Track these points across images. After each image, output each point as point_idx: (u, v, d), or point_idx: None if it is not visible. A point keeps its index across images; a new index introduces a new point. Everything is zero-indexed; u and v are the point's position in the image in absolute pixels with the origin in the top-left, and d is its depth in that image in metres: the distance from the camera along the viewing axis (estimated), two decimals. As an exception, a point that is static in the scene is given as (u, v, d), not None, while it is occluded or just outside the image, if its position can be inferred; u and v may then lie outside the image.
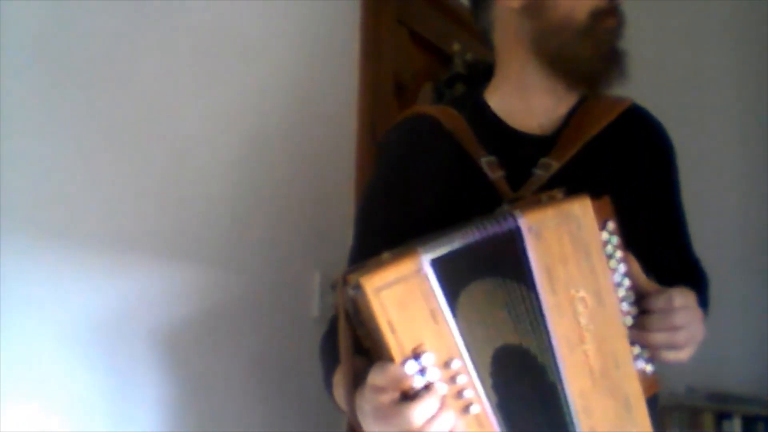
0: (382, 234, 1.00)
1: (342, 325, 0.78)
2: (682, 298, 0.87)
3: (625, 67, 1.01)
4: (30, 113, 1.06)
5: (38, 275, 1.06)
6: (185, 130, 1.32)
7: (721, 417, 2.32)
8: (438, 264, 0.76)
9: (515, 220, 0.80)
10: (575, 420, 0.82)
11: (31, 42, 1.06)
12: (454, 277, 0.77)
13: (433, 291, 0.75)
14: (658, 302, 0.86)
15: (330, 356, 0.96)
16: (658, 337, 0.86)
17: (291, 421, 1.54)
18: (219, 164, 1.38)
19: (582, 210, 0.82)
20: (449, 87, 2.06)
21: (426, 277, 0.75)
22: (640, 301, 0.88)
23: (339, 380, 0.89)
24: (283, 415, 1.52)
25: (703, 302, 1.00)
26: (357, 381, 0.79)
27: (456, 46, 2.11)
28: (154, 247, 1.25)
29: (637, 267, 0.87)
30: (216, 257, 1.37)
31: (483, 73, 2.09)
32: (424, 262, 0.75)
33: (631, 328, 0.86)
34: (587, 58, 0.99)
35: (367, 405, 0.75)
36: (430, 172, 1.03)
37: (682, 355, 0.89)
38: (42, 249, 1.07)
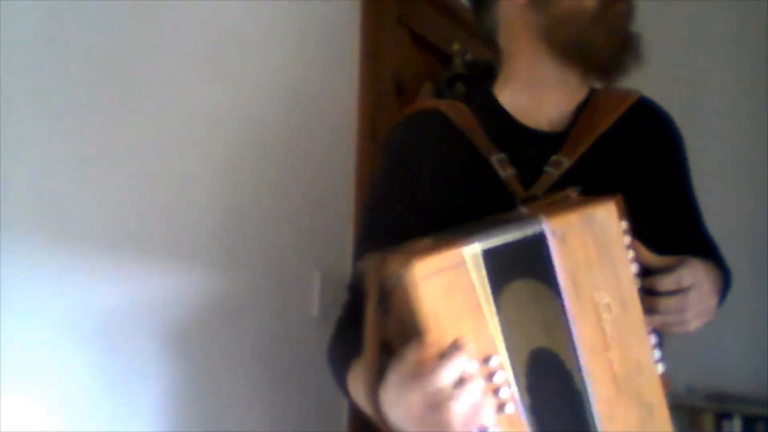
0: (389, 230, 0.99)
1: (372, 312, 0.74)
2: (691, 276, 0.86)
3: (641, 51, 1.00)
4: (30, 113, 1.05)
5: (37, 275, 1.05)
6: (185, 130, 1.31)
7: (721, 417, 2.32)
8: (487, 256, 0.73)
9: (539, 225, 0.78)
10: (599, 428, 0.81)
11: (31, 42, 1.06)
12: (499, 272, 0.75)
13: (479, 283, 0.72)
14: (665, 283, 0.85)
15: (343, 355, 0.94)
16: (668, 320, 0.86)
17: (291, 420, 1.53)
18: (218, 164, 1.38)
19: (606, 214, 0.81)
20: (449, 87, 2.05)
21: (475, 267, 0.72)
22: (649, 277, 0.86)
23: (356, 380, 0.87)
24: (283, 414, 1.52)
25: (724, 283, 0.99)
26: (380, 375, 0.76)
27: (456, 46, 2.11)
28: (153, 246, 1.24)
29: (643, 249, 0.86)
30: (215, 257, 1.37)
31: (483, 73, 2.09)
32: (474, 252, 0.72)
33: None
34: (601, 44, 0.98)
35: (395, 375, 0.72)
36: (439, 168, 1.01)
37: (690, 328, 0.88)
38: (40, 249, 1.06)
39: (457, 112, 1.05)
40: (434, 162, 1.02)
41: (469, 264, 0.72)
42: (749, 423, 2.30)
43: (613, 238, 0.81)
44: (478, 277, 0.73)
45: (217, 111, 1.38)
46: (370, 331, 0.76)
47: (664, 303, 0.85)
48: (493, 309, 0.74)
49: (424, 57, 2.11)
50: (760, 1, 2.59)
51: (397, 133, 1.10)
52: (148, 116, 1.24)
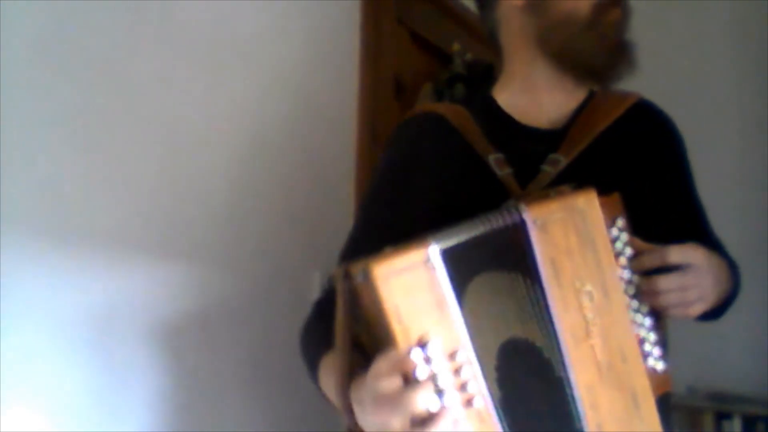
0: (383, 229, 1.00)
1: (341, 316, 0.77)
2: (692, 254, 0.87)
3: (634, 59, 1.01)
4: (30, 113, 1.06)
5: (36, 273, 1.06)
6: (185, 130, 1.32)
7: (721, 417, 2.32)
8: (447, 255, 0.75)
9: (520, 214, 0.79)
10: (582, 415, 0.81)
11: (31, 42, 1.06)
12: (462, 268, 0.76)
13: (440, 281, 0.74)
14: (671, 255, 0.85)
15: (315, 344, 0.94)
16: (668, 297, 0.85)
17: (290, 421, 1.53)
18: (219, 164, 1.38)
19: (587, 203, 0.81)
20: (449, 87, 2.06)
21: (434, 267, 0.74)
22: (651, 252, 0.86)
23: (327, 370, 0.88)
24: (282, 414, 1.52)
25: (734, 279, 0.99)
26: (351, 374, 0.77)
27: (456, 46, 2.11)
28: (153, 247, 1.24)
29: (640, 242, 0.86)
30: (216, 257, 1.37)
31: (483, 73, 2.09)
32: (432, 252, 0.74)
33: (642, 290, 0.85)
34: (593, 52, 0.99)
35: (366, 394, 0.74)
36: (437, 169, 1.02)
37: (691, 312, 0.88)
38: (40, 247, 1.07)
39: (455, 114, 1.05)
40: (432, 164, 1.03)
41: (431, 263, 0.74)
42: (749, 423, 2.30)
43: (594, 226, 0.82)
44: (441, 275, 0.74)
45: (217, 111, 1.38)
46: (341, 335, 0.78)
47: (666, 281, 0.85)
48: (457, 305, 0.75)
49: (424, 57, 2.11)
50: (760, 0, 2.60)
51: (396, 135, 1.11)
52: (149, 117, 1.25)
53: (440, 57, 2.15)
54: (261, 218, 1.48)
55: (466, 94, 1.99)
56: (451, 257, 0.75)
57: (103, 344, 1.16)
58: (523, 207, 0.79)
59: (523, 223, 0.79)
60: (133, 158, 1.21)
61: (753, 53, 2.61)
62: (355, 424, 0.78)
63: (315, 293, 1.62)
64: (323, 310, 1.02)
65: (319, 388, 0.94)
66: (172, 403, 1.28)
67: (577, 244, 0.81)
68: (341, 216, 1.73)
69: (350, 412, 0.78)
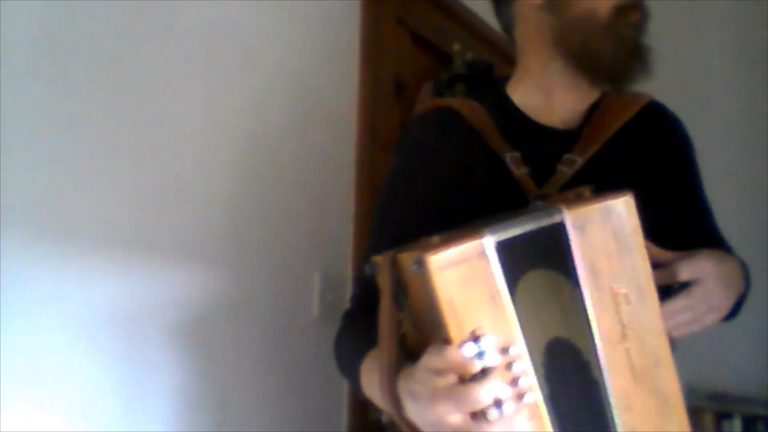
0: (401, 228, 0.98)
1: (387, 306, 0.76)
2: (689, 270, 0.87)
3: (649, 63, 1.01)
4: (30, 113, 1.05)
5: (39, 275, 1.05)
6: (185, 130, 1.31)
7: (721, 417, 2.33)
8: (501, 247, 0.74)
9: (559, 215, 0.79)
10: (616, 417, 0.81)
11: (31, 42, 1.06)
12: (515, 263, 0.75)
13: (495, 274, 0.73)
14: (680, 273, 0.86)
15: (354, 348, 0.94)
16: (678, 319, 0.86)
17: (291, 420, 1.53)
18: (219, 164, 1.38)
19: (625, 207, 0.82)
20: (449, 87, 2.05)
21: (489, 259, 0.73)
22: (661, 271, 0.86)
23: (369, 369, 0.87)
24: (283, 414, 1.52)
25: (746, 278, 0.99)
26: (396, 367, 0.76)
27: (456, 46, 2.11)
28: (153, 246, 1.24)
29: (652, 246, 0.86)
30: (216, 257, 1.37)
31: (483, 73, 2.09)
32: (488, 244, 0.73)
33: None
34: (610, 53, 0.98)
35: (421, 388, 0.72)
36: (452, 165, 1.02)
37: (707, 323, 0.88)
38: (42, 249, 1.06)
39: (471, 109, 1.05)
40: (447, 159, 1.02)
41: (486, 255, 0.73)
42: (749, 423, 2.30)
43: (631, 230, 0.82)
44: (495, 268, 0.73)
45: (218, 111, 1.38)
46: (387, 325, 0.76)
47: (670, 306, 0.85)
48: (510, 299, 0.74)
49: (424, 57, 2.11)
50: (761, 1, 2.60)
51: (409, 131, 1.11)
52: (150, 116, 1.24)
53: (440, 57, 2.15)
54: (261, 218, 1.48)
55: (469, 93, 1.99)
56: (505, 250, 0.74)
57: (107, 347, 1.15)
58: (562, 208, 0.79)
59: (562, 224, 0.79)
60: (134, 160, 1.21)
61: (755, 54, 2.61)
62: (400, 417, 0.77)
63: (315, 293, 1.62)
64: (355, 318, 1.02)
65: (360, 392, 0.93)
66: (178, 404, 1.27)
67: (615, 247, 0.81)
68: (341, 216, 1.73)
69: (397, 404, 0.76)
